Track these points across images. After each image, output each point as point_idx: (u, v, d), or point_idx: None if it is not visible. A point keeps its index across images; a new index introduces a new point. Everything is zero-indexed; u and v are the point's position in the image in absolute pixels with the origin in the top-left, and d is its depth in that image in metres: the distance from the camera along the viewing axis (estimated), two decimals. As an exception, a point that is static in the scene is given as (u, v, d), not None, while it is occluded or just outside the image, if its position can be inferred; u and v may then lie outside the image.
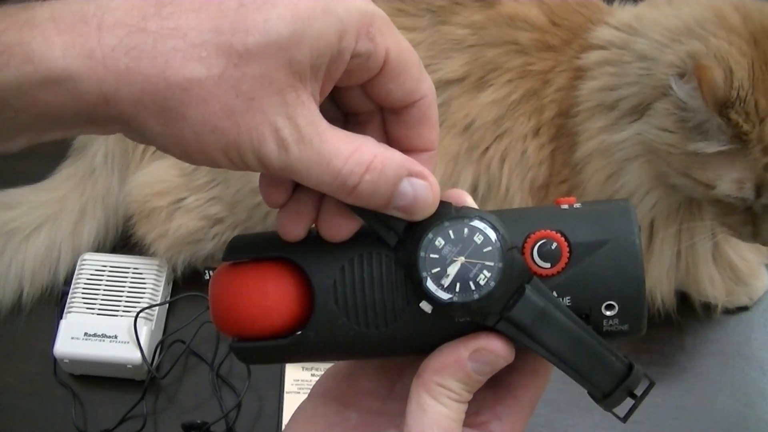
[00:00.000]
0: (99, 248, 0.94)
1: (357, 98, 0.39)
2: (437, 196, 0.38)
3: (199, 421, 0.82)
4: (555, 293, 0.38)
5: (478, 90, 0.84)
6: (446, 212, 0.38)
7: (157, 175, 0.91)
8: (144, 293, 0.89)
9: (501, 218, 0.38)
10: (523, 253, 0.38)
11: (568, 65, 0.83)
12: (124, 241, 0.94)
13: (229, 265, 0.40)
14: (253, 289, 0.38)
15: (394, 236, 0.38)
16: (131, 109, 0.32)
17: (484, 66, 0.84)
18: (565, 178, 0.84)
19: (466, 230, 0.37)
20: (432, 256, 0.37)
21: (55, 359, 0.86)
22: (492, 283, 0.37)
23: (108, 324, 0.87)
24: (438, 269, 0.37)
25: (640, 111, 0.76)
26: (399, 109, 0.38)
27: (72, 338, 0.86)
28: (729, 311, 0.92)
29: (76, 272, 0.91)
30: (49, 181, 0.95)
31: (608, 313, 0.38)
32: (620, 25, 0.81)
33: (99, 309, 0.88)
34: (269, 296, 0.38)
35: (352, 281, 0.38)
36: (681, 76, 0.71)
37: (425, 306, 0.38)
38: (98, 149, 0.94)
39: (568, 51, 0.83)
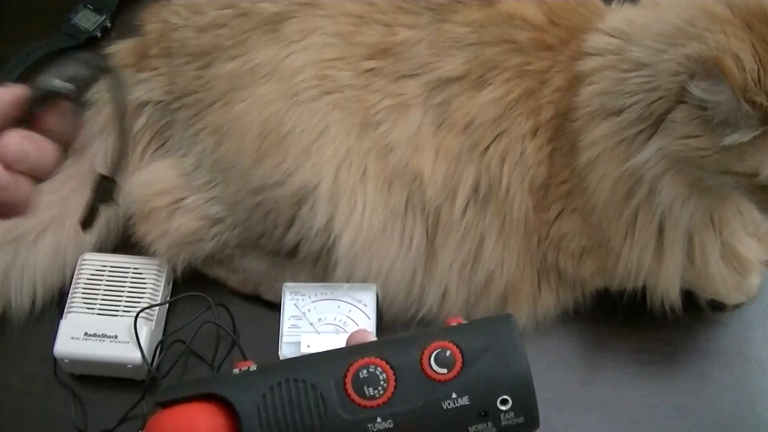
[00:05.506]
0: (101, 249, 0.94)
1: None
2: None
3: (199, 421, 0.82)
4: (455, 395, 0.42)
5: (477, 88, 0.84)
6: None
7: (157, 175, 0.91)
8: (144, 293, 0.89)
9: (394, 340, 0.44)
10: (421, 363, 0.43)
11: (565, 66, 0.82)
12: (124, 241, 0.94)
13: (162, 410, 0.44)
14: (186, 426, 0.43)
15: None
16: None
17: (483, 64, 0.84)
18: (565, 179, 0.84)
19: None
20: None
21: (55, 359, 0.87)
22: None
23: (108, 324, 0.87)
24: None
25: (649, 122, 0.76)
26: None
27: (72, 338, 0.86)
28: (728, 310, 0.92)
29: (76, 272, 0.91)
30: (50, 182, 0.94)
31: (503, 407, 0.42)
32: (612, 31, 0.81)
33: (99, 309, 0.88)
34: (201, 429, 0.43)
35: (274, 405, 0.43)
36: (690, 77, 0.71)
37: None
38: (98, 150, 0.94)
39: (566, 51, 0.83)
